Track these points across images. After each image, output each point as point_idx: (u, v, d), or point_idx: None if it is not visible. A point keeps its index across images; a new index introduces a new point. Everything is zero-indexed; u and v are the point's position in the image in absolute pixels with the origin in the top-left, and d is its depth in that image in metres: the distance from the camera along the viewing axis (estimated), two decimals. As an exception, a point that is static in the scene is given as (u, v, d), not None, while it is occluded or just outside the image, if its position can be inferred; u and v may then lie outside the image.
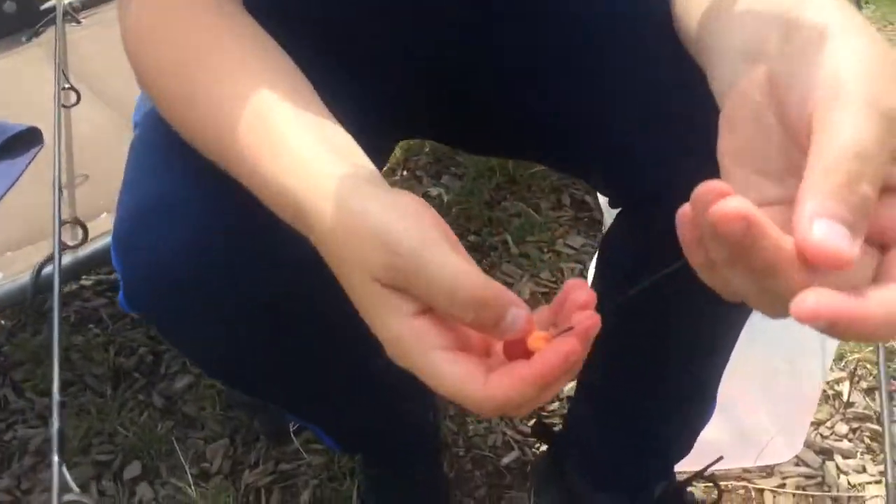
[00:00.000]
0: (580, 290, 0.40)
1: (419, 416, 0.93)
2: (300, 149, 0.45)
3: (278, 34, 0.54)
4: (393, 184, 1.60)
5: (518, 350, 0.40)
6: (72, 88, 1.06)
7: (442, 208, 1.52)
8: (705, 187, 0.31)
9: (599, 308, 0.40)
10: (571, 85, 0.67)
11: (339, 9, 0.68)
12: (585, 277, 1.30)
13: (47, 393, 1.23)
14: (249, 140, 0.46)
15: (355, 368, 0.72)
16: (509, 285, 1.37)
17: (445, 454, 1.12)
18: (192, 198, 0.53)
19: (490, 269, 1.40)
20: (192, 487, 1.09)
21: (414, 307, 0.40)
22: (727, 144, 0.39)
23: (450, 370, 0.39)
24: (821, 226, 0.31)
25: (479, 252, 1.42)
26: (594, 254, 1.29)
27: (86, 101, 1.11)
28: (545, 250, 1.44)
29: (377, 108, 0.69)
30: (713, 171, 0.38)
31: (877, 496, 1.03)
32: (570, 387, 1.21)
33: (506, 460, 1.12)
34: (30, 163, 1.12)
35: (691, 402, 0.84)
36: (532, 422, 1.14)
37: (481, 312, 0.38)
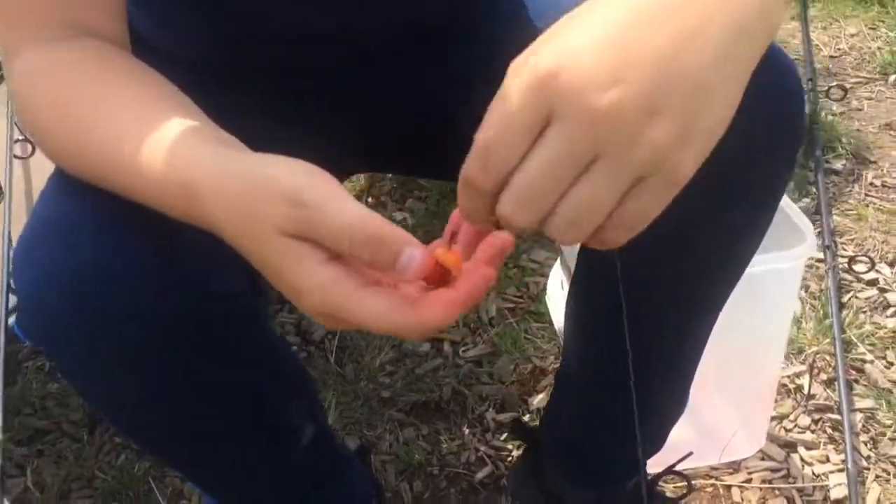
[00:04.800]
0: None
1: None
2: (189, 145, 0.48)
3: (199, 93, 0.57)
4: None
5: (434, 273, 0.43)
6: (27, 140, 1.09)
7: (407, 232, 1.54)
8: None
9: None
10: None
11: (265, 63, 0.72)
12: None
13: (26, 442, 1.24)
14: (138, 151, 0.49)
15: (268, 437, 0.73)
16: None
17: (419, 475, 1.14)
18: (87, 221, 0.54)
19: (457, 289, 1.43)
20: (172, 525, 1.11)
21: (324, 254, 0.42)
22: None
23: (377, 303, 0.41)
24: None
25: (446, 273, 1.45)
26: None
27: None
28: (510, 266, 1.47)
29: (312, 151, 0.73)
30: None
31: (840, 484, 1.05)
32: (546, 382, 1.24)
33: (480, 475, 1.14)
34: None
35: (666, 396, 0.86)
36: (510, 420, 1.17)
37: (378, 250, 0.41)
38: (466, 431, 1.20)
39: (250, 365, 0.68)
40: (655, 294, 0.73)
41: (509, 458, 1.15)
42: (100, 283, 0.54)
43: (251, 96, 0.72)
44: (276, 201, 0.42)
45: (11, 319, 1.02)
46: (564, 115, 0.38)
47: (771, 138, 0.62)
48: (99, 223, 0.54)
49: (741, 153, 0.62)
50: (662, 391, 0.84)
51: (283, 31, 0.72)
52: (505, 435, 1.18)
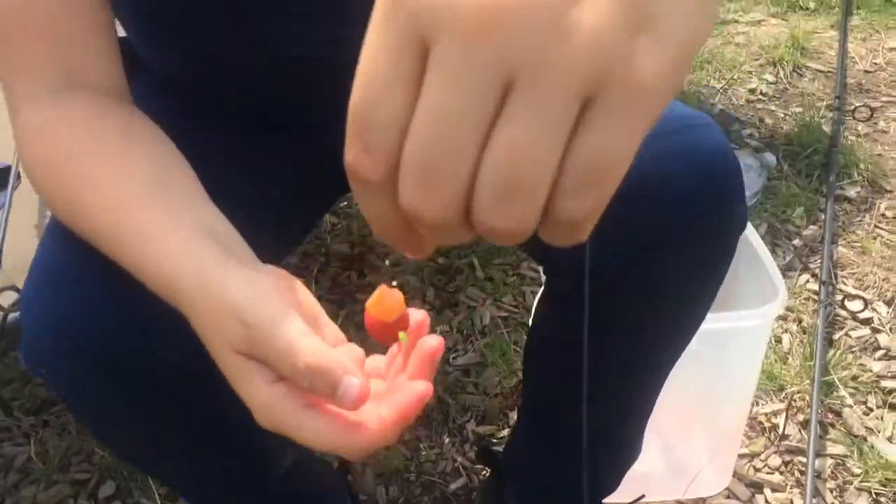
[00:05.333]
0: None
1: None
2: (173, 239, 0.50)
3: (197, 128, 0.59)
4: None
5: (378, 330, 0.44)
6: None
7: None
8: None
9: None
10: None
11: (256, 86, 0.75)
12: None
13: (34, 412, 1.32)
14: (127, 239, 0.52)
15: (255, 468, 0.77)
16: (472, 308, 1.43)
17: (396, 481, 1.19)
18: (79, 272, 0.58)
19: (455, 293, 1.46)
20: (160, 508, 1.18)
21: (272, 374, 0.44)
22: None
23: (316, 426, 0.43)
24: None
25: (446, 275, 1.48)
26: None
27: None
28: (510, 273, 1.49)
29: (307, 177, 0.76)
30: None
31: (799, 530, 1.08)
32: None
33: (453, 486, 1.18)
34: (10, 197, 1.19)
35: (618, 440, 0.89)
36: (488, 434, 1.20)
37: (316, 380, 0.42)
38: (446, 440, 1.25)
39: (236, 406, 0.72)
40: (606, 346, 0.75)
41: (483, 472, 1.19)
42: (88, 333, 0.58)
43: (236, 121, 0.75)
44: (225, 318, 0.45)
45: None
46: (436, 37, 0.25)
47: (710, 212, 0.64)
48: (89, 276, 0.58)
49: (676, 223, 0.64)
50: (615, 437, 0.87)
51: (254, 66, 0.73)
52: (481, 443, 1.22)
